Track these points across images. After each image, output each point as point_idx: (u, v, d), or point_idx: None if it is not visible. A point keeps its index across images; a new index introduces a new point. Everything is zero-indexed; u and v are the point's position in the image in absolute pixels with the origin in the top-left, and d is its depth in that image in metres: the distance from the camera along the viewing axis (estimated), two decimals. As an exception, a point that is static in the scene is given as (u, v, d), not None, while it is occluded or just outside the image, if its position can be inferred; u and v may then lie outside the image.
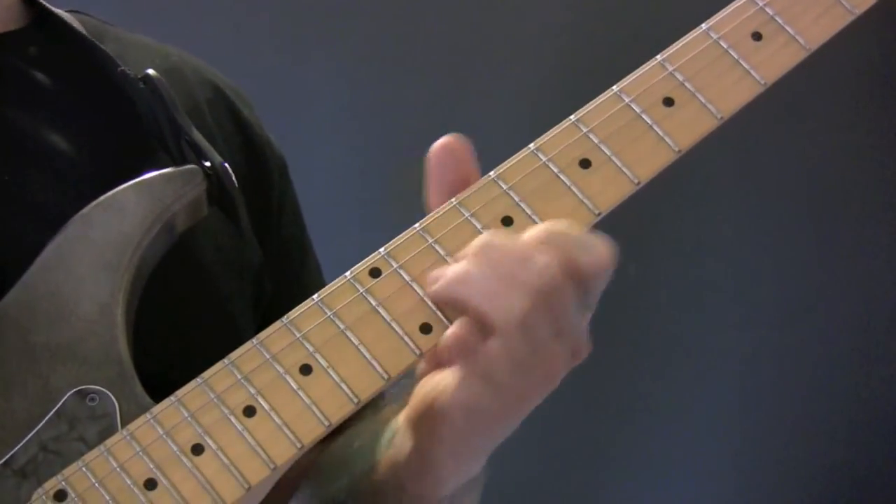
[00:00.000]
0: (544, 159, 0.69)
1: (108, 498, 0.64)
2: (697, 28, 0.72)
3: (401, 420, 0.71)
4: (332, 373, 0.66)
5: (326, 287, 0.68)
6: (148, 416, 0.66)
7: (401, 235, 0.68)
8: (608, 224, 0.71)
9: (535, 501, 1.93)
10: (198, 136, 0.78)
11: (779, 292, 1.92)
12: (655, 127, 0.70)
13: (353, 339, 0.66)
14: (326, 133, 1.92)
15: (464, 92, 1.92)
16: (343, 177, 1.92)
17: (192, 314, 0.83)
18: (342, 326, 0.67)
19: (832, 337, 1.90)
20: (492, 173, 0.69)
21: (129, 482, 0.64)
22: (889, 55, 1.87)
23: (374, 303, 0.67)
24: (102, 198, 0.73)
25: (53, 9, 0.86)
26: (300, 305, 0.67)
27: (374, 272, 0.67)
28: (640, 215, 1.87)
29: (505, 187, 0.69)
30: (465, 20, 1.93)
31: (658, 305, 1.93)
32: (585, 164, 0.69)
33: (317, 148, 1.89)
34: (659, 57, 0.71)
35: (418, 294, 0.67)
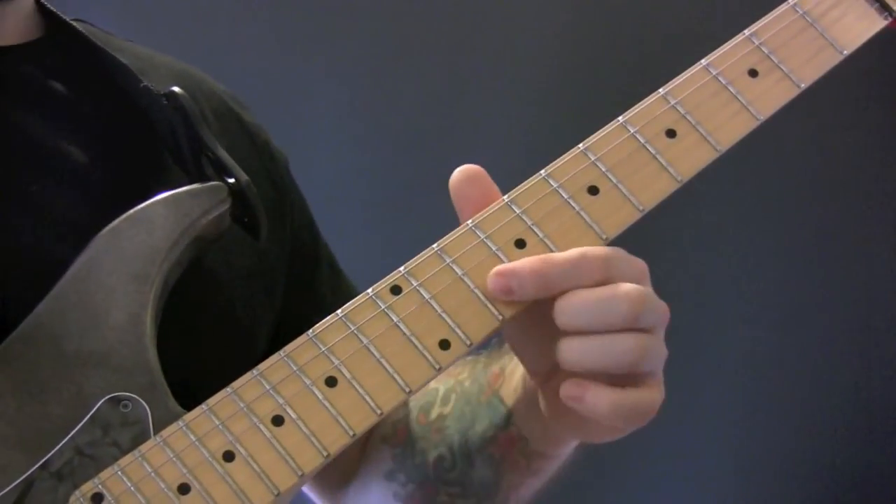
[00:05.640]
0: (554, 185, 0.72)
1: (143, 501, 0.65)
2: (697, 63, 0.75)
3: (522, 406, 0.78)
4: (356, 385, 0.67)
5: (349, 303, 0.69)
6: (180, 423, 0.67)
7: (419, 255, 0.70)
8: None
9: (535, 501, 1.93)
10: (223, 154, 0.79)
11: (779, 292, 1.91)
12: (659, 157, 0.73)
13: (375, 353, 0.68)
14: (326, 133, 1.92)
15: (464, 92, 1.91)
16: (343, 176, 1.92)
17: (207, 324, 0.84)
18: (365, 341, 0.68)
19: (832, 337, 1.89)
20: (505, 197, 0.72)
21: (163, 486, 0.65)
22: (889, 55, 1.88)
23: (395, 319, 0.69)
24: (132, 211, 0.74)
25: (69, 20, 0.87)
26: (324, 320, 0.69)
27: (395, 289, 0.69)
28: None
29: (518, 211, 0.71)
30: (466, 20, 1.92)
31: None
32: (593, 190, 0.72)
33: (316, 148, 1.89)
34: (661, 90, 0.74)
35: (437, 311, 0.69)
